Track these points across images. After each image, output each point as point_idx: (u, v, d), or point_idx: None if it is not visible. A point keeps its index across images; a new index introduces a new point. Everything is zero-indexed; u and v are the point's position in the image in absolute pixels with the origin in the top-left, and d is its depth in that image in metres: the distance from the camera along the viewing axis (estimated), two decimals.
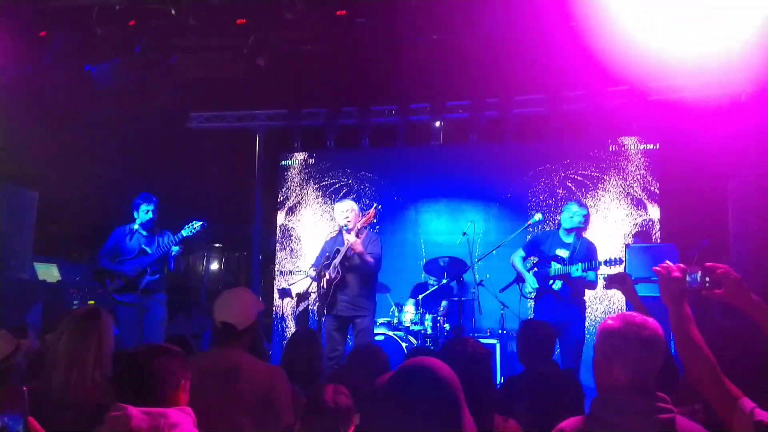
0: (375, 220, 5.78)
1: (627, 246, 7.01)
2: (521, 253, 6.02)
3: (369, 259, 5.59)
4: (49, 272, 7.17)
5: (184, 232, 5.95)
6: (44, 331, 4.59)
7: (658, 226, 8.03)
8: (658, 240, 7.83)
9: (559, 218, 5.93)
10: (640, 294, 3.17)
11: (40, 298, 6.43)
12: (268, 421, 2.75)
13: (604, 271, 5.59)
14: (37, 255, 7.18)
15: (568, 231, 5.76)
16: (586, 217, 5.77)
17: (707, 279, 2.16)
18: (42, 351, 3.28)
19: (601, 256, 5.64)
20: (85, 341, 2.79)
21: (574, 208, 5.77)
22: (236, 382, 2.77)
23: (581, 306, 5.74)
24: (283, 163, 9.89)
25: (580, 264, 5.49)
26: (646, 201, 8.16)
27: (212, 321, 3.02)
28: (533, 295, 5.80)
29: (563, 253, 5.71)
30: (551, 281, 5.70)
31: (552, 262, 5.72)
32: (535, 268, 5.93)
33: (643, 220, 8.09)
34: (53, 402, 2.57)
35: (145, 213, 6.08)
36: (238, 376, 2.78)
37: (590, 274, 5.57)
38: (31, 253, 6.95)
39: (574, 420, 2.11)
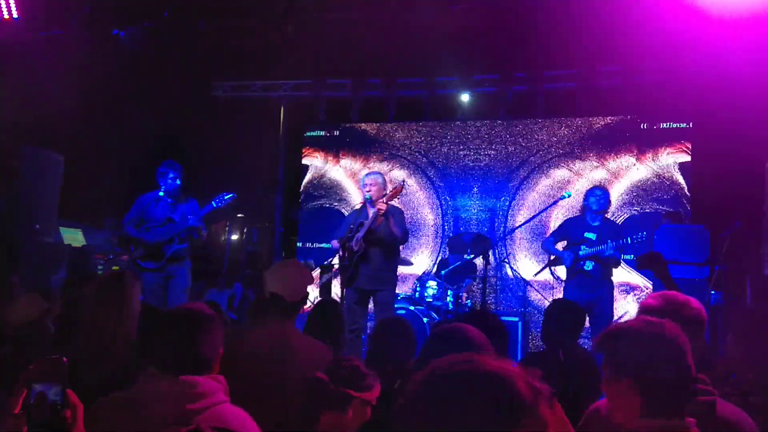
0: (400, 196, 5.72)
1: (657, 226, 6.88)
2: (551, 239, 6.19)
3: (396, 232, 5.54)
4: (74, 237, 7.23)
5: (214, 204, 5.92)
6: (67, 294, 4.64)
7: (689, 207, 7.87)
8: (689, 221, 7.69)
9: (583, 203, 6.04)
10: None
11: (65, 262, 6.49)
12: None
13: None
14: (62, 219, 7.23)
15: (594, 214, 5.88)
16: (609, 200, 5.97)
17: None
18: (66, 315, 3.31)
19: (627, 234, 5.77)
20: (109, 304, 2.79)
21: (597, 192, 5.93)
22: (286, 358, 2.71)
23: (611, 285, 5.91)
24: (307, 134, 9.83)
25: (610, 242, 5.60)
26: (677, 181, 7.99)
27: (256, 292, 3.00)
28: (583, 254, 5.83)
29: (591, 235, 5.84)
30: (582, 262, 5.80)
31: (582, 246, 5.81)
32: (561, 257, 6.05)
33: (674, 201, 7.93)
34: (78, 363, 2.57)
35: (170, 180, 6.06)
36: (293, 355, 2.73)
37: (618, 253, 5.71)
38: (56, 217, 6.99)
39: None
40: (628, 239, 5.63)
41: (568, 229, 6.07)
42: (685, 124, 8.05)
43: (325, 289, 7.98)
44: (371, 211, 5.60)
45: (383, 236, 5.58)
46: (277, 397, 2.62)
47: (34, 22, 6.13)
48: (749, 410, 2.03)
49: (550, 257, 6.18)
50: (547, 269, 6.30)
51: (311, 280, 3.13)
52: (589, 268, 5.76)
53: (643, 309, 2.08)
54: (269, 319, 2.90)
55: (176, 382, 1.90)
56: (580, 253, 5.78)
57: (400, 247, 5.90)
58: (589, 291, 5.68)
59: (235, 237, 14.83)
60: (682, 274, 5.78)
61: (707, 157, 7.73)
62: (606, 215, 5.98)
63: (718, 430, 1.90)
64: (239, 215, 13.97)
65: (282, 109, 9.88)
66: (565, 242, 6.06)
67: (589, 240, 5.80)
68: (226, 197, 5.93)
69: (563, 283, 6.11)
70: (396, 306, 6.31)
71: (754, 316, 2.62)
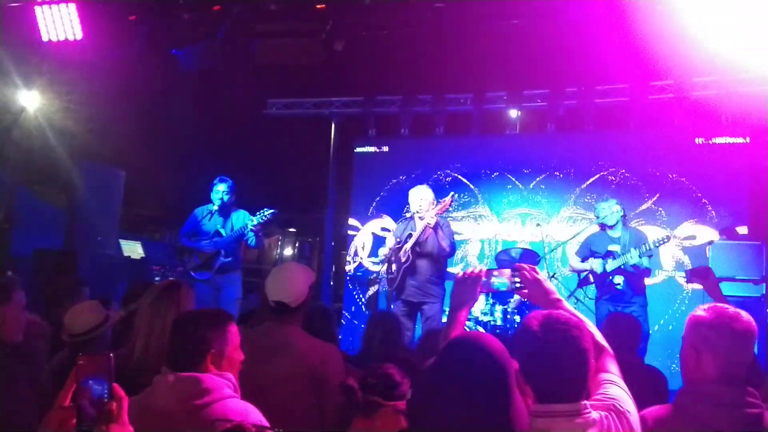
0: (451, 209, 5.74)
1: (711, 242, 6.71)
2: (577, 258, 6.14)
3: (445, 245, 5.57)
4: (133, 249, 7.49)
5: (256, 219, 6.03)
6: (126, 304, 4.81)
7: (746, 223, 7.63)
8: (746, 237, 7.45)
9: (598, 220, 6.01)
10: (724, 293, 3.04)
11: (125, 273, 6.73)
12: (320, 398, 2.74)
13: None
14: (122, 232, 7.50)
15: (612, 226, 5.85)
16: (615, 208, 5.88)
17: (516, 280, 2.21)
18: (124, 322, 3.43)
19: (650, 238, 5.72)
20: (163, 311, 2.89)
21: (609, 204, 5.90)
22: (289, 358, 2.76)
23: (644, 299, 5.79)
24: (357, 150, 9.94)
25: (633, 250, 5.57)
26: (733, 197, 7.76)
27: (263, 299, 3.01)
28: (610, 268, 5.74)
29: (615, 247, 5.80)
30: (611, 277, 5.73)
31: (608, 259, 5.76)
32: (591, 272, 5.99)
33: (731, 217, 7.69)
34: (132, 369, 2.67)
35: (222, 195, 6.23)
36: (292, 352, 2.77)
37: (644, 261, 5.64)
38: (117, 230, 7.26)
39: (658, 409, 2.07)
40: (651, 243, 5.58)
41: (590, 246, 6.01)
42: (741, 139, 7.83)
43: (372, 301, 8.03)
44: (419, 224, 5.64)
45: (431, 248, 5.61)
46: (280, 391, 2.66)
47: (98, 43, 6.41)
48: None
49: (579, 277, 6.12)
50: (580, 290, 6.21)
51: (311, 279, 3.06)
52: (620, 285, 5.69)
53: (693, 321, 2.07)
54: (273, 325, 2.91)
55: (182, 378, 2.02)
56: (608, 268, 5.70)
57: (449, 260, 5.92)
58: (621, 308, 5.58)
59: (287, 252, 15.09)
60: (736, 292, 5.62)
61: (765, 172, 7.49)
62: (626, 223, 5.94)
63: None
64: (291, 230, 14.19)
65: (332, 125, 10.04)
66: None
67: (614, 253, 5.74)
68: (267, 212, 6.02)
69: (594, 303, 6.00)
70: (443, 320, 6.32)
71: None
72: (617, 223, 5.84)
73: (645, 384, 3.34)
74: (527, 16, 6.45)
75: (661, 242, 5.64)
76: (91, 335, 3.24)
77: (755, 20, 5.44)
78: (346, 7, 6.17)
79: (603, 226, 5.97)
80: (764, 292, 5.95)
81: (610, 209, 5.83)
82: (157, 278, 6.92)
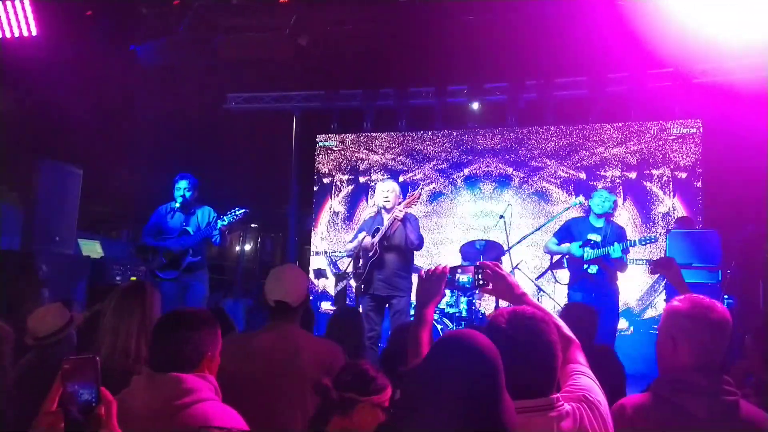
0: (417, 203, 5.75)
1: (668, 231, 6.88)
2: (554, 240, 6.15)
3: (413, 238, 5.59)
4: (92, 248, 7.32)
5: (226, 219, 5.95)
6: (89, 305, 4.70)
7: (700, 212, 7.86)
8: (701, 226, 7.68)
9: (587, 204, 6.08)
10: None
11: (85, 274, 6.56)
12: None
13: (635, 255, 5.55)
14: (80, 231, 7.32)
15: (599, 216, 5.90)
16: (615, 203, 6.01)
17: (479, 277, 2.23)
18: (87, 324, 3.37)
19: (635, 236, 5.73)
20: (129, 314, 2.86)
21: (604, 194, 5.94)
22: (298, 359, 2.76)
23: (616, 290, 5.85)
24: (320, 144, 9.91)
25: (617, 244, 5.59)
26: (688, 186, 7.99)
27: (263, 300, 3.03)
28: (588, 257, 5.81)
29: (595, 237, 5.83)
30: (586, 266, 5.77)
31: (586, 248, 5.77)
32: (568, 256, 6.01)
33: (686, 206, 7.92)
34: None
35: (184, 192, 6.14)
36: (299, 353, 2.78)
37: (624, 256, 5.71)
38: (75, 229, 7.07)
39: (636, 397, 2.11)
40: (636, 240, 5.65)
41: (571, 230, 6.03)
42: (695, 129, 8.06)
43: (341, 296, 8.04)
44: (387, 217, 5.64)
45: (399, 242, 5.63)
46: (290, 392, 2.67)
47: (53, 39, 6.23)
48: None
49: (552, 259, 6.15)
50: (550, 273, 6.27)
51: (308, 280, 3.17)
52: (593, 272, 5.74)
53: (670, 311, 2.13)
54: (275, 324, 2.94)
55: (162, 378, 1.99)
56: (585, 255, 5.75)
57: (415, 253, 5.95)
58: (594, 295, 5.64)
59: (248, 247, 14.95)
60: (694, 279, 5.78)
61: (718, 160, 7.72)
62: (611, 218, 5.98)
63: (741, 430, 1.94)
64: (253, 225, 14.07)
65: (294, 119, 9.97)
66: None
67: (593, 242, 5.79)
68: (238, 212, 5.95)
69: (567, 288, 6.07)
70: (411, 313, 6.35)
71: None
72: (604, 214, 5.88)
73: (601, 366, 3.44)
74: (489, 10, 6.50)
75: (648, 241, 5.72)
76: (56, 338, 3.18)
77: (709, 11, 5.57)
78: (310, 1, 6.12)
79: (588, 213, 6.00)
80: (720, 279, 6.13)
81: (606, 198, 5.87)
82: (118, 278, 6.76)
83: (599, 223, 5.89)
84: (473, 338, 1.53)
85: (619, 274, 5.87)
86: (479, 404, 1.44)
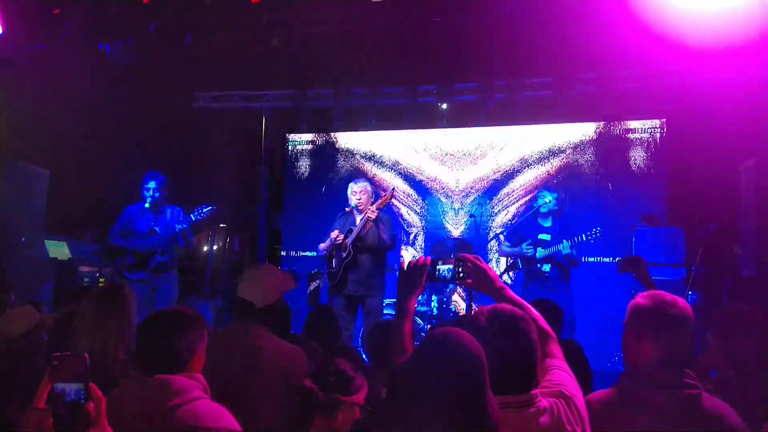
0: (390, 203, 5.77)
1: (634, 229, 7.03)
2: (506, 243, 6.34)
3: (386, 238, 5.60)
4: (59, 250, 7.20)
5: (193, 217, 5.93)
6: (56, 307, 4.62)
7: (665, 209, 8.02)
8: (665, 223, 7.83)
9: (534, 206, 6.25)
10: None
11: (51, 275, 6.46)
12: (289, 399, 2.75)
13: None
14: (47, 233, 7.20)
15: (545, 216, 6.10)
16: (558, 200, 6.18)
17: (460, 270, 2.26)
18: (58, 326, 3.33)
19: (582, 231, 5.91)
20: (107, 316, 2.84)
21: (545, 194, 6.13)
22: (256, 360, 2.75)
23: (569, 286, 6.04)
24: (290, 143, 9.87)
25: (565, 241, 5.77)
26: (653, 183, 8.13)
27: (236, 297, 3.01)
28: (540, 255, 5.93)
29: (545, 236, 6.02)
30: (539, 264, 5.95)
31: (538, 248, 5.94)
32: (521, 257, 6.17)
33: (651, 203, 8.06)
34: None
35: (153, 192, 6.08)
36: (258, 355, 2.77)
37: (574, 251, 5.87)
38: (41, 231, 6.97)
39: (602, 392, 2.16)
40: (583, 236, 5.78)
41: (521, 233, 6.20)
42: (659, 129, 8.20)
43: (313, 297, 8.03)
44: (359, 218, 5.65)
45: (373, 242, 5.64)
46: (248, 394, 2.65)
47: (20, 38, 6.11)
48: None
49: (508, 262, 6.32)
50: (506, 275, 6.45)
51: (288, 286, 3.08)
52: (546, 270, 5.92)
53: (634, 308, 2.18)
54: (238, 323, 2.94)
55: (151, 380, 2.01)
56: (537, 255, 5.90)
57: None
58: (548, 293, 5.71)
59: (217, 247, 14.79)
60: (659, 276, 5.92)
61: (682, 159, 7.86)
62: (557, 215, 6.15)
63: (704, 423, 1.99)
64: (221, 225, 13.93)
65: (264, 119, 9.91)
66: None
67: (543, 241, 5.96)
68: (205, 210, 5.93)
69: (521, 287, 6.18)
70: (384, 312, 6.38)
71: (733, 315, 2.74)
72: (549, 214, 6.07)
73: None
74: (458, 11, 6.56)
75: (594, 235, 5.84)
76: (27, 340, 3.14)
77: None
78: (282, 1, 6.10)
79: (535, 214, 6.15)
80: (684, 275, 6.29)
81: (547, 200, 6.05)
82: (86, 279, 6.66)
83: (547, 223, 6.10)
84: (459, 336, 1.56)
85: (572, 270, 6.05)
86: (466, 401, 1.47)
